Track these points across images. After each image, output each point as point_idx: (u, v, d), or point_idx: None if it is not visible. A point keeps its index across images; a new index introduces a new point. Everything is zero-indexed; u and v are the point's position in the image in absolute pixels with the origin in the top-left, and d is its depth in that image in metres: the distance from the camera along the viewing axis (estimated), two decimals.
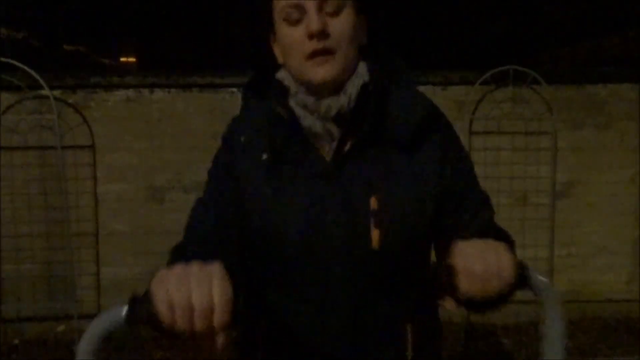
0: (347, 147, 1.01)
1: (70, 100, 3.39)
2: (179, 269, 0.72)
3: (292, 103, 1.02)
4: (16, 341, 3.38)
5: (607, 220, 3.70)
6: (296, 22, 0.97)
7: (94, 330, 0.71)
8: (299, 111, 1.01)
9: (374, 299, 1.01)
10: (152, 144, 3.44)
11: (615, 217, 3.70)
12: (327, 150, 1.02)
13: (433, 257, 1.09)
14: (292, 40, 0.98)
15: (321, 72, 0.97)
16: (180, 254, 0.91)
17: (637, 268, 3.72)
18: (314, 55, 0.96)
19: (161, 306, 0.69)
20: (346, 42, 0.98)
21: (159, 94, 3.45)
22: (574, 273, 3.65)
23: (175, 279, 0.70)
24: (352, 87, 1.00)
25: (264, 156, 1.01)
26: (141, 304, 0.70)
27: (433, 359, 1.12)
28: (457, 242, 0.88)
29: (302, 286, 1.01)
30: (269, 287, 1.04)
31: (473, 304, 0.88)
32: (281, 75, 1.04)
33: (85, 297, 3.44)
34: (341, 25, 0.97)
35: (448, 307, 0.90)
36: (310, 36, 0.95)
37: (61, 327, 3.44)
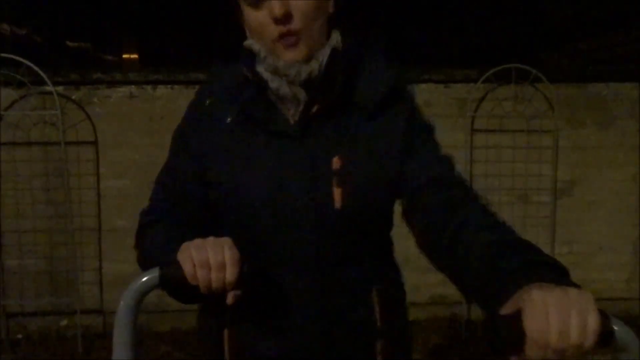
0: (313, 110, 1.02)
1: (73, 97, 3.41)
2: (198, 240, 0.87)
3: (259, 68, 1.02)
4: (19, 336, 3.40)
5: (608, 219, 3.71)
6: (259, 4, 0.96)
7: (131, 292, 0.84)
8: (266, 75, 1.01)
9: (340, 260, 1.03)
10: (154, 140, 3.45)
11: (616, 215, 3.71)
12: (293, 113, 1.03)
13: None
14: (257, 24, 0.98)
15: (290, 54, 0.97)
16: (149, 226, 1.05)
17: (637, 267, 3.73)
18: (280, 37, 0.96)
19: (186, 265, 0.84)
20: (311, 19, 0.97)
21: (161, 90, 3.46)
22: (574, 271, 3.60)
23: (196, 246, 0.86)
24: (323, 54, 1.00)
25: (228, 118, 1.04)
26: (170, 266, 0.86)
27: (400, 324, 1.14)
28: (529, 290, 0.69)
29: (268, 249, 1.03)
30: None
31: None
32: (249, 42, 1.03)
33: (87, 293, 3.46)
34: (305, 3, 0.96)
35: None
36: (275, 20, 0.95)
37: (64, 322, 3.46)
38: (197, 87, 3.74)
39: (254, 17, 0.98)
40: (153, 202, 1.11)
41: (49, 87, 3.20)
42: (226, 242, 0.86)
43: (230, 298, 0.89)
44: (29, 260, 3.42)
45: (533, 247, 0.85)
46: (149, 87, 3.46)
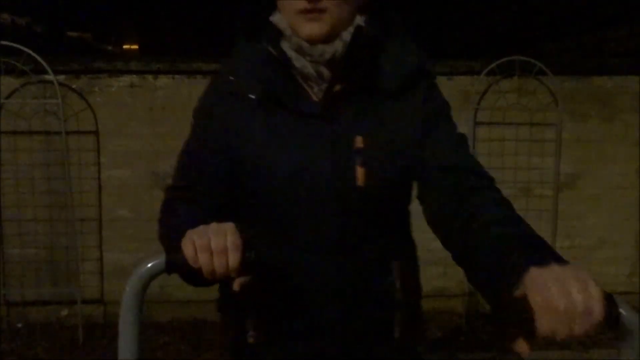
0: (337, 89, 1.03)
1: (74, 86, 3.39)
2: (201, 227, 0.87)
3: (284, 46, 1.03)
4: (20, 325, 3.41)
5: (610, 213, 3.70)
6: None
7: (137, 277, 0.84)
8: (291, 53, 1.02)
9: (361, 237, 1.05)
10: (155, 130, 3.44)
11: (618, 209, 3.70)
12: (316, 92, 1.04)
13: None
14: None
15: (309, 28, 0.98)
16: (176, 206, 1.05)
17: (639, 261, 3.73)
18: (304, 11, 0.97)
19: (188, 251, 0.84)
20: (339, 2, 0.98)
21: (163, 80, 3.45)
22: None
23: (198, 232, 0.86)
24: (347, 34, 1.01)
25: (253, 95, 1.03)
26: (175, 252, 0.86)
27: (417, 299, 1.16)
28: (529, 268, 0.74)
29: (289, 226, 1.04)
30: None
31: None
32: (276, 18, 1.04)
33: (88, 282, 3.46)
34: None
35: (520, 350, 0.73)
36: None
37: (64, 312, 3.46)
38: (198, 77, 3.71)
39: None
40: (174, 183, 1.11)
41: (50, 76, 3.18)
42: (228, 227, 0.86)
43: (236, 285, 0.87)
44: (29, 250, 3.42)
45: (542, 243, 0.86)
46: (150, 77, 3.44)
